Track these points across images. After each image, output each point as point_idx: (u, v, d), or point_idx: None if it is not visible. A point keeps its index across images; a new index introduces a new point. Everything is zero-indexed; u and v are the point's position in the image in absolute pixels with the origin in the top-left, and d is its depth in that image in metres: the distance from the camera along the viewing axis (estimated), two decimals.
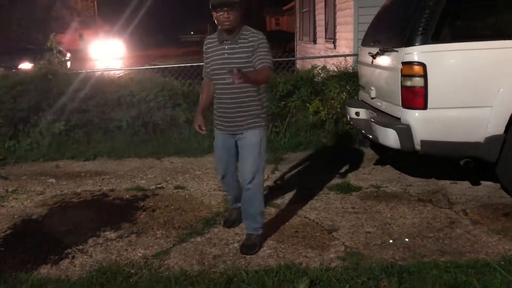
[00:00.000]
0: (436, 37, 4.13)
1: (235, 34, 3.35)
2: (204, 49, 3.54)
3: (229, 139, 3.55)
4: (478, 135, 4.11)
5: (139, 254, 3.53)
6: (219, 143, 3.63)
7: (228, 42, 3.37)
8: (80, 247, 3.67)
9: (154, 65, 7.60)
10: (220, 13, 3.26)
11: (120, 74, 7.35)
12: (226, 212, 4.17)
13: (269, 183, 5.01)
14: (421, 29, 4.12)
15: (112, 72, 7.58)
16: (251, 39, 3.34)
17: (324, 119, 6.48)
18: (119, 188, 5.06)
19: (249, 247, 3.52)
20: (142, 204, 4.53)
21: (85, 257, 3.52)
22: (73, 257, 3.52)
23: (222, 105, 3.49)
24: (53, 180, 5.40)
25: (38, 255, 3.53)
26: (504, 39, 4.05)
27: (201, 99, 3.73)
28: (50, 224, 4.13)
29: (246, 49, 3.32)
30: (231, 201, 3.95)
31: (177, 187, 5.00)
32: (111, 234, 3.88)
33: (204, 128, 3.61)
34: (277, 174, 5.35)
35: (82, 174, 5.63)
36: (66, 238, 3.82)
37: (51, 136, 6.51)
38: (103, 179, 5.40)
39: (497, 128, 4.08)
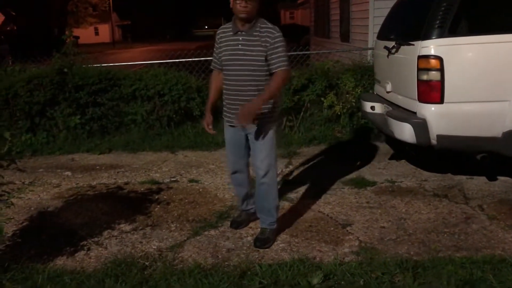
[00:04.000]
0: (453, 31, 4.07)
1: (250, 25, 3.28)
2: (216, 39, 3.47)
3: (239, 132, 3.46)
4: (496, 130, 4.06)
5: (153, 247, 3.55)
6: (228, 136, 3.56)
7: (243, 33, 3.31)
8: (96, 239, 3.71)
9: (168, 59, 7.58)
10: (238, 1, 3.20)
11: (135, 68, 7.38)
12: (232, 224, 3.97)
13: (283, 177, 5.00)
14: (438, 22, 4.07)
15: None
16: (267, 33, 3.27)
17: (339, 113, 6.44)
18: (133, 181, 5.09)
19: (263, 241, 3.52)
20: (156, 197, 4.55)
21: (100, 249, 3.55)
22: (89, 249, 3.55)
23: (232, 96, 3.41)
24: (69, 173, 5.45)
25: (54, 247, 3.57)
26: None
27: (210, 94, 3.64)
28: (66, 216, 4.18)
29: (261, 43, 3.26)
30: (240, 202, 3.86)
31: (191, 181, 5.02)
32: (126, 227, 3.91)
33: (211, 128, 3.56)
34: (291, 168, 5.34)
35: (97, 167, 5.68)
36: (82, 230, 3.86)
37: (67, 129, 6.58)
38: (118, 172, 5.44)
39: None
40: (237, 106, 3.33)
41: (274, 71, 3.28)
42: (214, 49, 3.51)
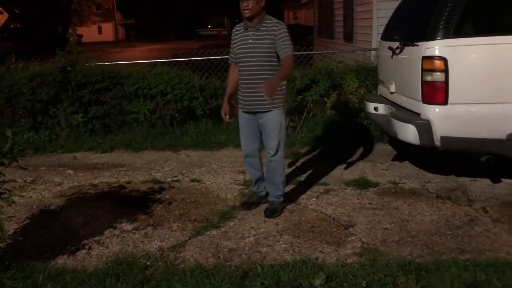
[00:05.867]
0: (458, 31, 4.04)
1: (257, 22, 3.77)
2: (232, 36, 3.98)
3: (251, 118, 3.92)
4: (500, 132, 4.03)
5: (155, 246, 3.54)
6: (242, 120, 3.99)
7: (252, 29, 3.79)
8: (97, 238, 3.70)
9: (172, 58, 7.58)
10: (240, 2, 3.70)
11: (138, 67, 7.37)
12: (244, 205, 4.23)
13: (285, 177, 4.97)
14: (443, 22, 4.04)
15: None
16: (273, 27, 3.74)
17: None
18: (135, 180, 5.08)
19: (272, 211, 4.00)
20: (158, 196, 4.54)
21: (101, 248, 3.54)
22: (90, 248, 3.54)
23: (245, 85, 3.87)
24: (71, 172, 5.45)
25: (55, 245, 3.56)
26: None
27: (227, 86, 4.12)
28: (68, 215, 4.16)
29: (269, 36, 3.73)
30: (253, 184, 4.23)
31: (193, 180, 5.01)
32: (127, 226, 3.90)
33: (228, 116, 4.04)
34: (294, 168, 5.32)
35: (99, 166, 5.67)
36: (83, 229, 3.85)
37: (69, 127, 6.57)
38: (120, 171, 5.43)
39: None
40: (251, 94, 3.82)
41: (282, 56, 3.73)
42: (231, 46, 4.02)
